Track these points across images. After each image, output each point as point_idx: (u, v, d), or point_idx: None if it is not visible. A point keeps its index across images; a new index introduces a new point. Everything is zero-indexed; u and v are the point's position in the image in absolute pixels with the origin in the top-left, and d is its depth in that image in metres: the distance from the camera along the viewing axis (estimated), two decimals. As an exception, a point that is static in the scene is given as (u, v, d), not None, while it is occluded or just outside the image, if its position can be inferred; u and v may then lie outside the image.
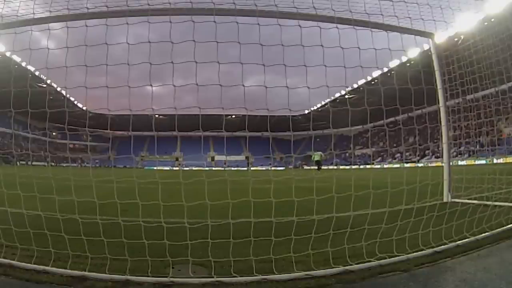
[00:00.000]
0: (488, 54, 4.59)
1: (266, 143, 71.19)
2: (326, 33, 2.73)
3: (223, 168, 38.65)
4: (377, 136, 62.18)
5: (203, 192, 2.40)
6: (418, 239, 2.52)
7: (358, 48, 2.78)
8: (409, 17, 3.32)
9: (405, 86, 3.20)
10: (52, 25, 2.89)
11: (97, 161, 39.01)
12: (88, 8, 2.83)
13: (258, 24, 2.60)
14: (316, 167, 24.18)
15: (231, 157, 70.77)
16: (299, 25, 2.65)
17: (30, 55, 2.59)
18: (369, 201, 2.60)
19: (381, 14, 3.24)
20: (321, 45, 2.57)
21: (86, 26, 2.62)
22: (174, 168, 53.14)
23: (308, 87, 2.70)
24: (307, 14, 3.01)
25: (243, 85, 2.56)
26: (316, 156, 25.73)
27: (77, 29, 2.69)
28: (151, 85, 2.49)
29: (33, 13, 2.91)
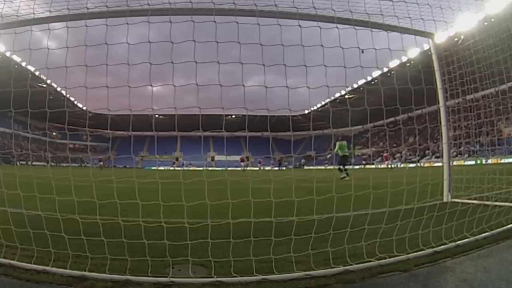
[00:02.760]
0: (488, 54, 4.59)
1: (266, 143, 71.13)
2: (326, 33, 2.73)
3: (244, 168, 33.39)
4: (377, 136, 62.19)
5: (203, 192, 2.40)
6: (418, 239, 2.52)
7: (358, 48, 2.78)
8: (409, 17, 3.32)
9: (405, 86, 3.20)
10: (52, 25, 2.89)
11: (100, 162, 38.15)
12: (88, 8, 2.83)
13: (258, 24, 2.60)
14: (340, 166, 13.34)
15: (232, 157, 70.69)
16: (299, 25, 2.64)
17: (30, 55, 2.59)
18: (369, 201, 2.60)
19: (381, 14, 3.25)
20: (321, 45, 2.57)
21: (86, 26, 2.62)
22: (176, 168, 51.13)
23: (308, 87, 2.70)
24: (307, 14, 3.01)
25: (243, 85, 2.56)
26: (341, 147, 13.71)
27: (78, 29, 2.69)
28: (151, 85, 2.49)
29: (33, 13, 2.91)
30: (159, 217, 2.33)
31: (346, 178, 11.79)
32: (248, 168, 36.05)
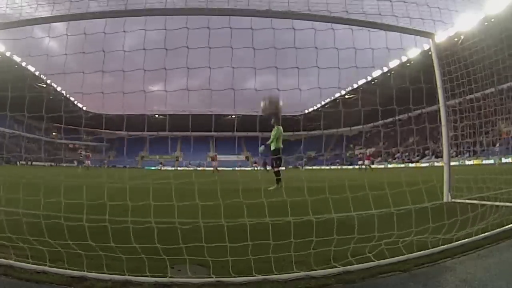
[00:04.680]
0: (488, 54, 4.59)
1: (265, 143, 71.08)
2: (326, 34, 2.73)
3: (215, 169, 26.43)
4: (377, 136, 62.21)
5: (205, 192, 2.40)
6: (418, 239, 2.52)
7: (355, 49, 2.77)
8: (409, 17, 3.33)
9: (405, 86, 3.21)
10: (54, 25, 2.90)
11: (88, 160, 34.36)
12: (90, 8, 2.84)
13: (260, 25, 2.60)
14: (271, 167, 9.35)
15: (231, 156, 70.63)
16: (293, 28, 2.64)
17: (31, 55, 2.59)
18: (369, 202, 2.60)
19: (380, 14, 3.25)
20: (316, 48, 2.57)
21: (85, 26, 2.63)
22: (162, 169, 49.36)
23: (308, 87, 2.70)
24: (307, 14, 3.01)
25: (245, 87, 2.56)
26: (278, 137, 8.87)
27: (79, 29, 2.69)
28: (149, 85, 2.50)
29: (35, 13, 2.91)
30: (159, 217, 2.33)
31: (270, 188, 7.46)
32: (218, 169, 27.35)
